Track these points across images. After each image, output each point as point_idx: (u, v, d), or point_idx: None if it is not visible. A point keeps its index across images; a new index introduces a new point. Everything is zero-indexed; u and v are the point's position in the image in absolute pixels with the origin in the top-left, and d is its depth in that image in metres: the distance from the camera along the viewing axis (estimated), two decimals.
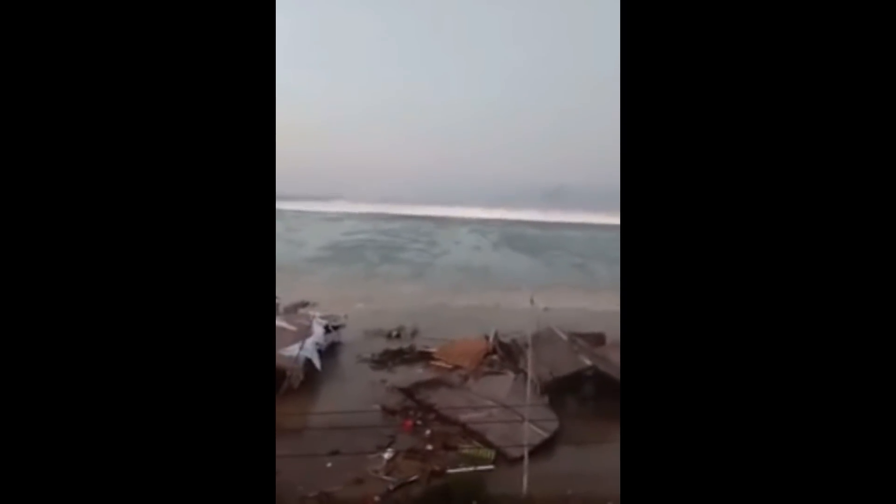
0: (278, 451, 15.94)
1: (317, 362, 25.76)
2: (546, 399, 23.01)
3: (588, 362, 25.55)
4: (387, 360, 28.07)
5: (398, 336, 31.65)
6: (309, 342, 26.69)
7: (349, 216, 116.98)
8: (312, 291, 40.79)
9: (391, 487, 16.12)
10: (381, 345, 30.07)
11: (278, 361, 23.95)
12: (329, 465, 16.70)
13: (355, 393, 23.36)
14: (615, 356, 27.34)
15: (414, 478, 16.65)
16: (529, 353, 20.02)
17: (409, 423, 20.72)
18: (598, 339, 30.44)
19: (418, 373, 26.38)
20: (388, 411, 21.73)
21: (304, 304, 37.07)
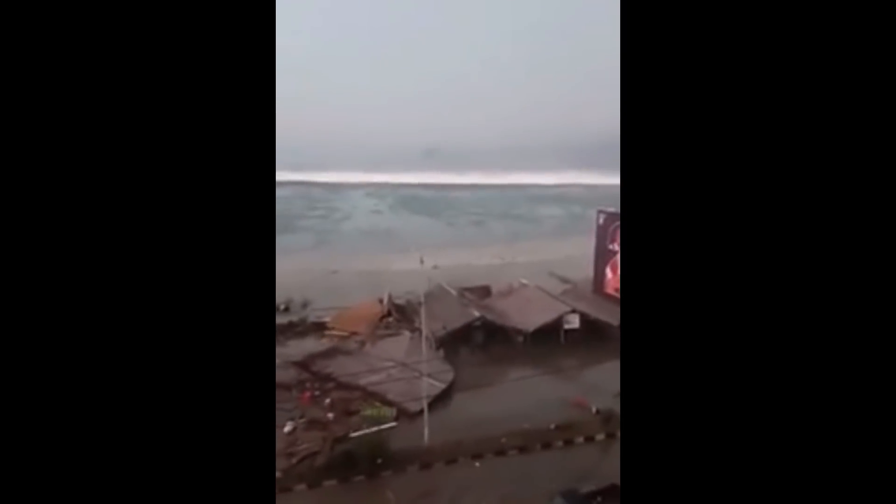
0: None
1: None
2: (441, 353, 24.12)
3: (477, 314, 27.13)
4: (277, 335, 26.95)
5: (287, 309, 30.43)
6: None
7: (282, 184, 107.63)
8: None
9: (293, 461, 15.92)
10: None
11: None
12: None
13: None
14: (500, 305, 29.39)
15: (315, 449, 16.59)
16: (423, 311, 20.61)
17: (307, 394, 20.40)
18: (484, 292, 32.36)
19: (313, 344, 25.82)
20: (284, 387, 21.10)
21: None
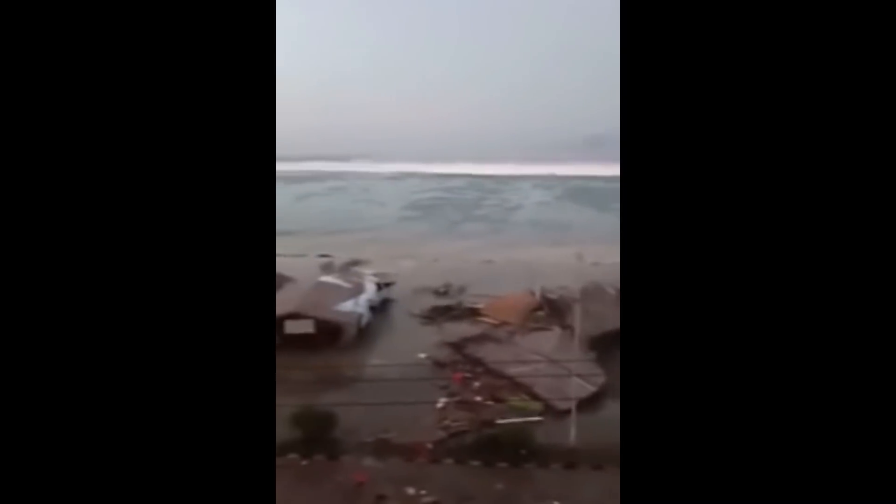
0: (339, 399, 17.04)
1: (369, 318, 27.02)
2: (593, 355, 23.22)
3: None
4: (435, 315, 28.95)
5: (445, 293, 32.41)
6: (362, 299, 27.91)
7: (409, 175, 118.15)
8: (396, 250, 42.70)
9: (444, 435, 17.11)
10: (429, 301, 30.98)
11: (334, 317, 25.31)
12: (384, 413, 17.88)
13: (406, 347, 24.45)
14: None
15: (464, 428, 17.55)
16: (577, 308, 20.07)
17: (459, 375, 21.60)
18: None
19: (466, 328, 27.11)
20: (438, 364, 22.68)
21: (357, 263, 38.44)
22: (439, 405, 19.05)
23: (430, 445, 16.37)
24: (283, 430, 16.10)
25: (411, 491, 14.37)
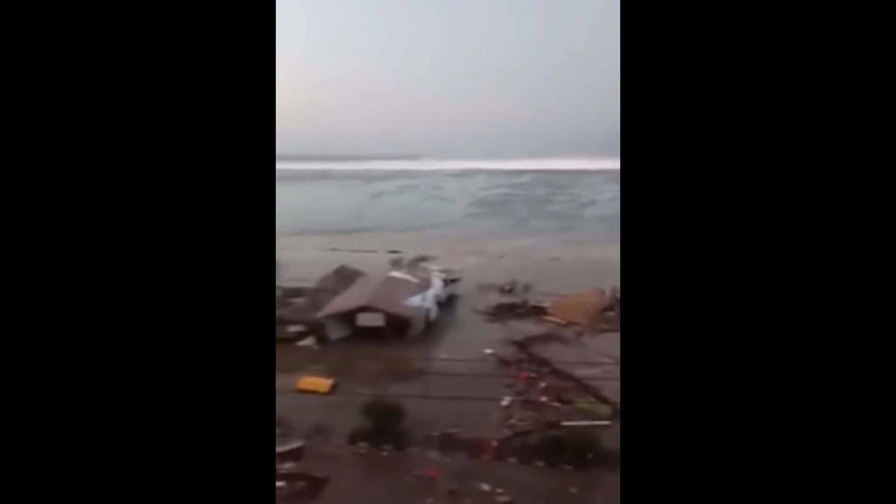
0: (406, 391, 17.46)
1: (436, 313, 27.51)
2: None
3: None
4: (501, 313, 28.90)
5: (511, 290, 32.22)
6: (430, 294, 28.48)
7: (476, 172, 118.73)
8: (463, 246, 43.40)
9: (509, 434, 17.09)
10: (494, 298, 30.97)
11: (403, 311, 26.06)
12: (450, 407, 18.18)
13: (471, 343, 24.65)
14: None
15: (529, 428, 17.42)
16: None
17: (525, 374, 21.44)
18: None
19: (531, 327, 26.83)
20: (503, 362, 22.65)
21: (424, 259, 39.22)
22: (504, 403, 19.04)
23: (494, 443, 16.43)
24: (355, 419, 16.92)
25: (486, 487, 14.48)
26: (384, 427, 16.72)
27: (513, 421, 17.94)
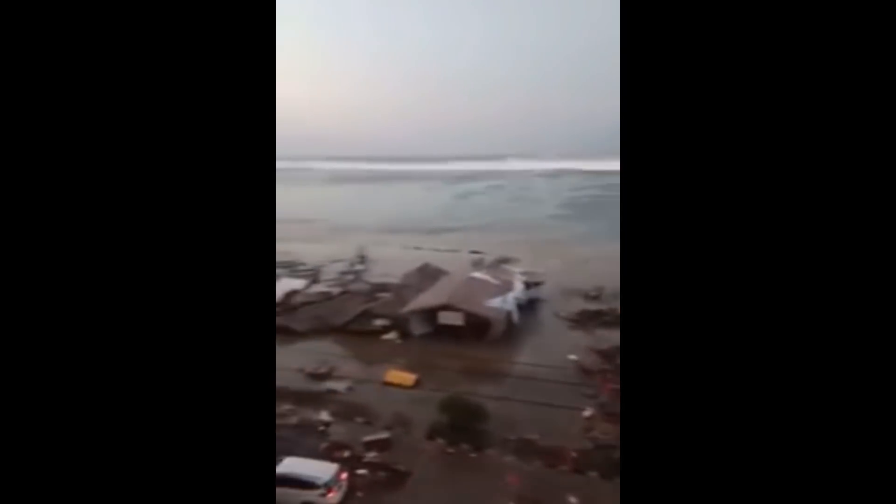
0: (484, 392, 17.27)
1: (516, 316, 27.13)
2: None
3: None
4: (584, 320, 27.78)
5: (597, 297, 30.85)
6: (510, 296, 28.16)
7: (566, 173, 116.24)
8: (548, 249, 42.95)
9: (590, 446, 16.36)
10: (578, 304, 29.85)
11: (483, 311, 26.03)
12: (529, 412, 17.78)
13: (552, 349, 23.96)
14: None
15: (612, 442, 16.54)
16: None
17: (609, 386, 20.40)
18: None
19: (618, 336, 25.39)
20: (585, 371, 21.73)
21: (507, 260, 38.89)
22: (586, 414, 18.26)
23: (573, 454, 15.80)
24: (432, 415, 17.16)
25: (573, 500, 13.98)
26: (461, 425, 16.78)
27: (595, 433, 17.13)
